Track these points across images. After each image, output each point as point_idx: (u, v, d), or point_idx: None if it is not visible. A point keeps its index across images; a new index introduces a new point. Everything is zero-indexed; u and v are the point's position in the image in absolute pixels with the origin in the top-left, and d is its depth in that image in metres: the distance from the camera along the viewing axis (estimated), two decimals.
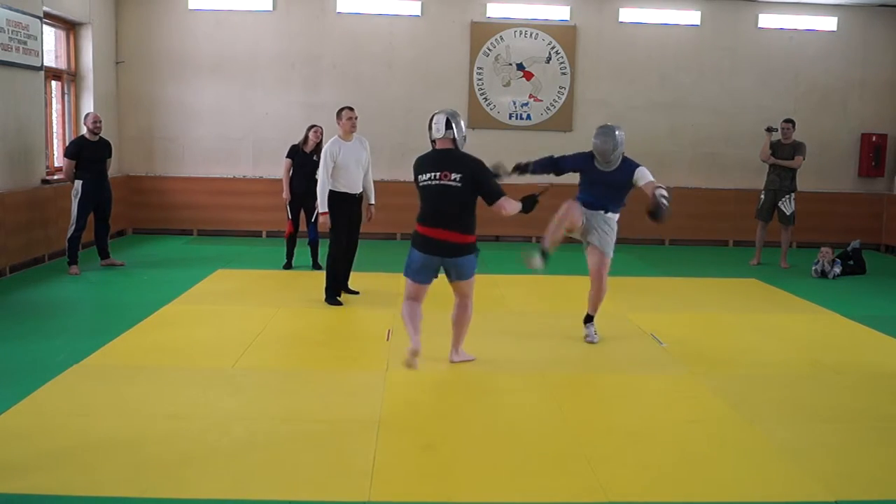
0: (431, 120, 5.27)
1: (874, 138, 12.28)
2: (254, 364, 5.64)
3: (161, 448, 4.12)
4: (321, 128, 9.08)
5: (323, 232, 7.65)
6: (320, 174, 7.30)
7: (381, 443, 4.26)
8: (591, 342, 6.34)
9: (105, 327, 6.46)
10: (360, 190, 7.47)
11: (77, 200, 8.69)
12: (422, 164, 5.26)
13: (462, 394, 5.18)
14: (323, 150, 7.38)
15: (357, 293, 7.81)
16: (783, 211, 10.14)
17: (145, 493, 3.64)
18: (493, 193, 5.18)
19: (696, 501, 3.75)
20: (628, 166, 6.21)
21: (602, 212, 6.27)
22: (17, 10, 8.77)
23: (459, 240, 5.16)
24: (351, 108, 7.49)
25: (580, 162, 6.38)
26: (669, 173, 12.20)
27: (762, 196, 10.34)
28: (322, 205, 7.25)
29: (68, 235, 8.70)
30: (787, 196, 10.11)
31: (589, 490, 3.80)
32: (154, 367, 5.51)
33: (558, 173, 6.48)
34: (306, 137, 9.01)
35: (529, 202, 5.32)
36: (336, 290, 7.53)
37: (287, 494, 3.68)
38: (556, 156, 6.50)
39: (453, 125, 5.17)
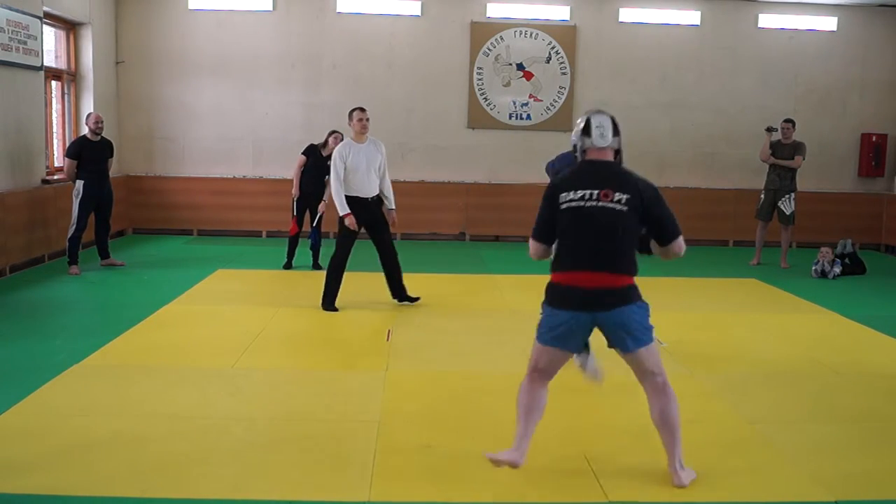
0: (588, 123, 3.84)
1: (874, 138, 12.27)
2: (254, 364, 5.64)
3: (161, 448, 4.12)
4: (342, 134, 9.06)
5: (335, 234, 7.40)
6: (332, 178, 7.10)
7: (381, 443, 4.25)
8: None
9: (105, 327, 6.47)
10: (375, 193, 7.18)
11: (78, 200, 8.70)
12: (571, 180, 3.80)
13: (462, 393, 5.18)
14: (333, 153, 7.20)
15: (417, 299, 7.46)
16: (783, 211, 10.14)
17: (145, 493, 3.64)
18: (671, 230, 3.79)
19: (696, 501, 3.75)
20: None
21: None
22: (17, 10, 8.76)
23: (619, 282, 3.73)
24: (362, 109, 7.21)
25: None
26: (669, 173, 12.22)
27: (762, 196, 10.34)
28: (341, 208, 7.02)
29: (69, 235, 8.70)
30: (787, 196, 10.11)
31: (589, 490, 3.80)
32: (154, 367, 5.51)
33: None
34: (326, 142, 9.00)
35: None
36: (334, 296, 7.21)
37: (287, 494, 3.68)
38: None
39: (619, 132, 3.84)
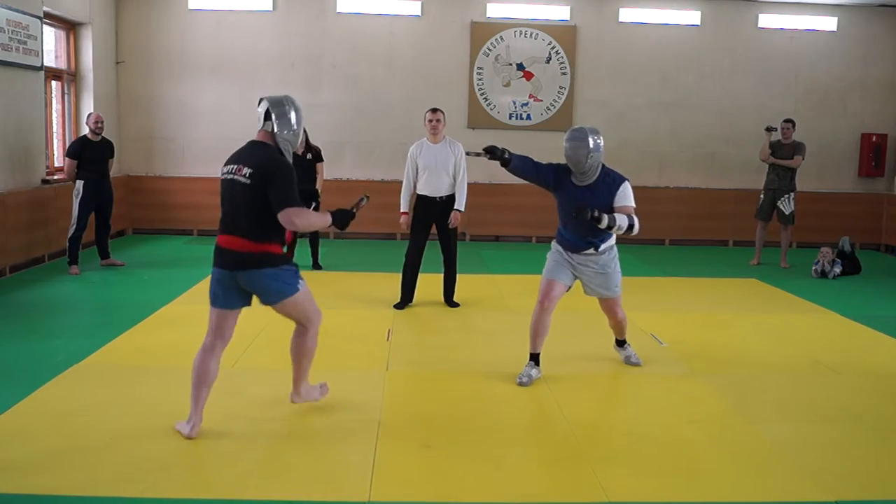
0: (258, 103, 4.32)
1: (874, 138, 12.28)
2: (254, 364, 5.64)
3: (161, 448, 4.12)
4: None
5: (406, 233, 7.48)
6: (404, 176, 7.26)
7: (381, 443, 4.26)
8: (637, 364, 5.75)
9: (105, 327, 6.47)
10: (444, 194, 7.21)
11: (78, 200, 8.69)
12: (231, 156, 4.31)
13: (462, 394, 5.18)
14: (408, 153, 7.32)
15: (457, 305, 7.52)
16: (782, 210, 10.14)
17: (145, 493, 3.64)
18: (279, 200, 4.07)
19: (696, 501, 3.75)
20: (611, 181, 5.15)
21: (591, 251, 5.25)
22: (17, 10, 8.76)
23: (254, 248, 4.14)
24: (433, 111, 7.26)
25: (551, 174, 5.24)
26: (669, 173, 12.24)
27: (762, 196, 10.35)
28: (402, 205, 7.22)
29: (69, 235, 8.70)
30: (787, 196, 10.11)
31: (589, 490, 3.80)
32: (154, 367, 5.51)
33: (537, 181, 5.35)
34: None
35: (341, 216, 4.34)
36: (403, 295, 7.37)
37: (287, 494, 3.68)
38: (535, 160, 5.36)
39: (273, 116, 4.20)
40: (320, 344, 6.40)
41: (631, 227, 5.03)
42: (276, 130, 4.21)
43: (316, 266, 9.21)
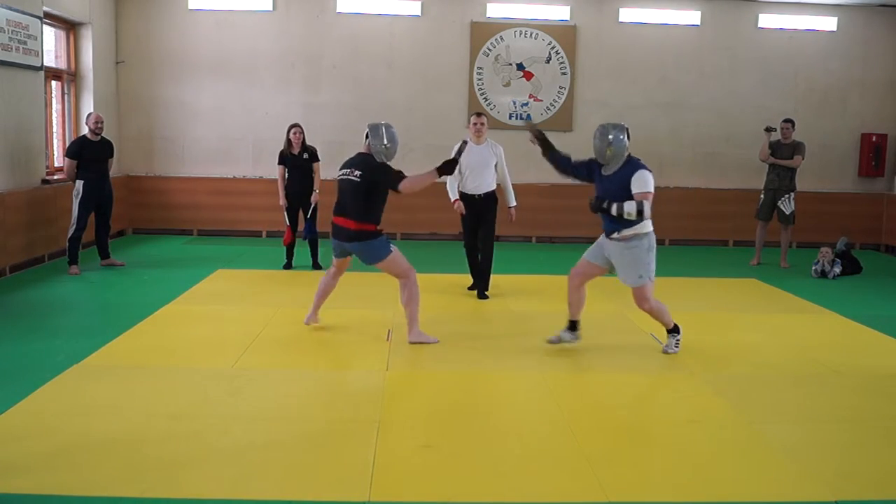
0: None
1: (874, 138, 12.27)
2: (254, 364, 5.64)
3: (161, 448, 4.12)
4: (300, 127, 9.14)
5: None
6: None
7: (381, 443, 4.25)
8: (666, 352, 6.03)
9: (105, 327, 6.47)
10: (485, 191, 7.75)
11: (78, 200, 8.69)
12: (345, 162, 6.23)
13: (462, 394, 5.18)
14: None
15: (486, 297, 7.89)
16: (783, 210, 10.14)
17: (145, 493, 3.64)
18: (393, 183, 5.97)
19: (696, 501, 3.75)
20: (630, 169, 5.64)
21: (615, 235, 5.67)
22: (17, 10, 8.76)
23: (355, 226, 5.97)
24: (478, 115, 7.82)
25: (584, 168, 5.88)
26: (669, 173, 12.22)
27: (762, 196, 10.35)
28: (451, 194, 7.78)
29: (69, 235, 8.70)
30: (787, 196, 10.11)
31: (589, 490, 3.80)
32: (154, 367, 5.51)
33: (568, 174, 6.00)
34: (288, 140, 9.08)
35: (447, 166, 5.97)
36: (475, 273, 7.97)
37: (287, 494, 3.68)
38: (573, 159, 5.99)
39: (369, 136, 6.02)
40: (320, 343, 6.45)
41: (640, 212, 5.51)
42: (371, 144, 6.00)
43: (316, 266, 9.21)
